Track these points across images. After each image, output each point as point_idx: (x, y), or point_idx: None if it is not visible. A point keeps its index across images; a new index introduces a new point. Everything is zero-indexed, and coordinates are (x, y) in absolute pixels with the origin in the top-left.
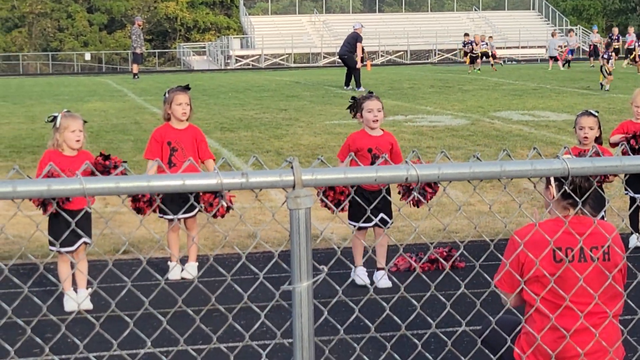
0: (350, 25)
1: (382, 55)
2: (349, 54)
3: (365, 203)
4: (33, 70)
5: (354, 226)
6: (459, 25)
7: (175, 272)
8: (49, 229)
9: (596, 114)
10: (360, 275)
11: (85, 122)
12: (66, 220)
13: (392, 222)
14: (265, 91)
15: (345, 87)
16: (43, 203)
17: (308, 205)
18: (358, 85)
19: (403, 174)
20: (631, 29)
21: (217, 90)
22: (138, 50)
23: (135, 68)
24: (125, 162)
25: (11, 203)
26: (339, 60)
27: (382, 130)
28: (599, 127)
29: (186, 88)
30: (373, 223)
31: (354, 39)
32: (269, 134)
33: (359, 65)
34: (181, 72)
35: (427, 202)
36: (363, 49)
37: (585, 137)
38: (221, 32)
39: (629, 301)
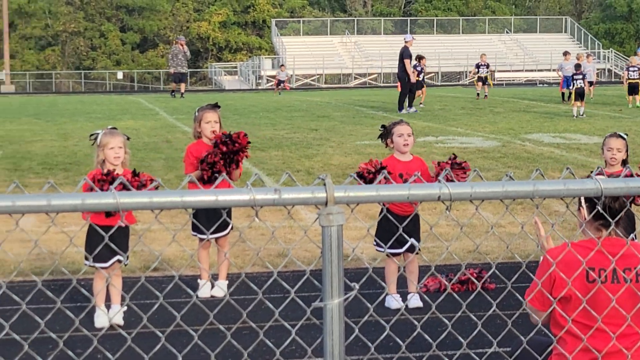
0: (381, 47)
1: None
2: (401, 74)
3: (396, 228)
4: (66, 89)
5: (382, 251)
6: (490, 48)
7: (205, 290)
8: (86, 244)
9: (625, 136)
10: (395, 298)
11: (128, 138)
12: (103, 236)
13: (420, 247)
14: (296, 111)
15: (398, 111)
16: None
17: (340, 222)
18: (400, 107)
19: (435, 192)
20: None
21: (248, 110)
22: (171, 70)
23: (182, 87)
24: (152, 180)
25: (43, 220)
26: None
27: (412, 155)
28: (627, 150)
29: (215, 106)
30: (404, 249)
31: (400, 55)
32: (299, 153)
33: (412, 78)
34: (213, 91)
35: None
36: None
37: (613, 158)
38: (253, 52)
39: None
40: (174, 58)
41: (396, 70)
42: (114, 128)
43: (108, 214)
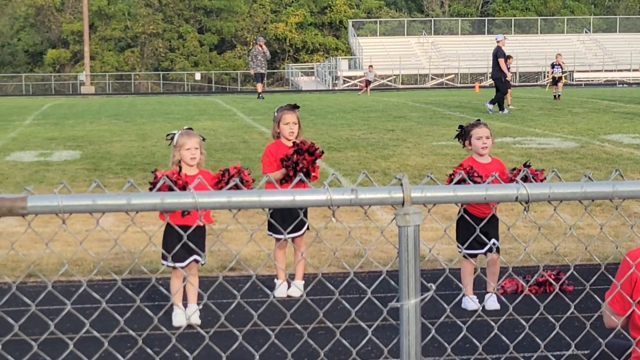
0: (458, 47)
1: (490, 77)
2: (497, 74)
3: (474, 230)
4: (144, 89)
5: (460, 251)
6: (569, 48)
7: (282, 290)
8: (163, 243)
9: None
10: (472, 299)
11: (203, 139)
12: (180, 236)
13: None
14: (372, 112)
15: (500, 111)
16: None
17: (417, 222)
18: (501, 108)
19: (513, 192)
20: None
21: (325, 111)
22: (251, 71)
23: (258, 87)
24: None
25: (122, 219)
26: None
27: (491, 157)
28: None
29: (294, 107)
30: (485, 249)
31: (494, 55)
32: (375, 154)
33: (508, 77)
34: (289, 92)
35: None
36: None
37: None
38: (329, 53)
39: None
40: (254, 59)
41: (485, 70)
42: (190, 128)
43: (183, 213)
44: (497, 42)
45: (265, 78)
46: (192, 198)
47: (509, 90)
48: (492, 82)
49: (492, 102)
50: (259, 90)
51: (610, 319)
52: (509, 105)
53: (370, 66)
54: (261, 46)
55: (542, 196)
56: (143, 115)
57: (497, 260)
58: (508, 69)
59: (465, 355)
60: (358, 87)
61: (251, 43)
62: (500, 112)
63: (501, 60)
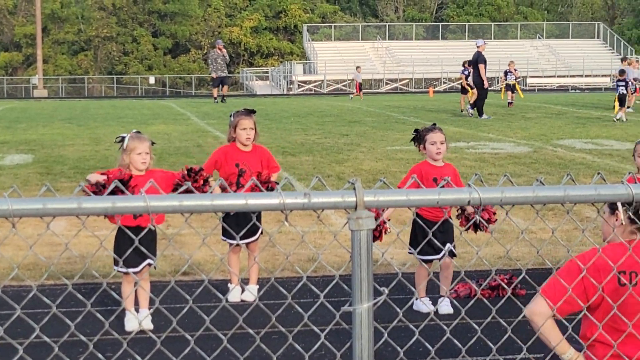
0: (413, 53)
1: (444, 82)
2: (477, 79)
3: (427, 234)
4: (98, 93)
5: (411, 254)
6: (522, 53)
7: (235, 294)
8: (115, 248)
9: None
10: (425, 302)
11: (153, 143)
12: (132, 241)
13: (454, 251)
14: (327, 116)
15: (479, 117)
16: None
17: (370, 226)
18: (480, 113)
19: (465, 196)
20: None
21: (280, 115)
22: (213, 75)
23: (214, 92)
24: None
25: (74, 223)
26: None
27: (444, 161)
28: None
29: (251, 112)
30: (441, 255)
31: (475, 60)
32: (330, 158)
33: (485, 84)
34: (244, 96)
35: (484, 230)
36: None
37: None
38: (284, 57)
39: None
40: (214, 62)
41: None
42: (139, 132)
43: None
44: (477, 47)
45: (228, 81)
46: (143, 202)
47: (470, 92)
48: (448, 87)
49: (480, 110)
50: (215, 95)
51: (541, 317)
52: (461, 111)
53: (358, 67)
54: (220, 49)
55: (495, 200)
56: (96, 119)
57: (450, 264)
58: (469, 73)
59: (419, 359)
60: (347, 92)
61: (205, 47)
62: (479, 117)
63: (481, 66)
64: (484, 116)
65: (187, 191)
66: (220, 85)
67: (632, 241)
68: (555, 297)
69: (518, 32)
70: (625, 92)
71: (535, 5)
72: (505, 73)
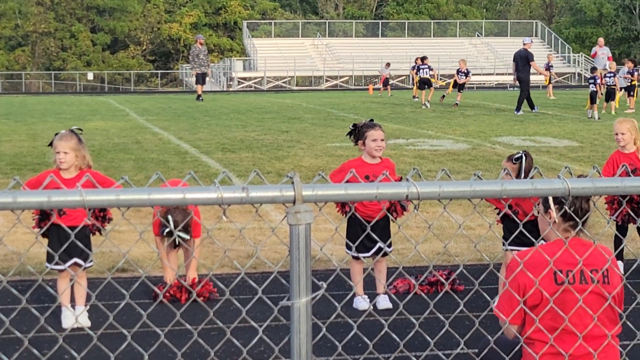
0: (352, 50)
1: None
2: (525, 76)
3: (362, 231)
4: (36, 89)
5: (346, 252)
6: (461, 51)
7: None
8: (48, 246)
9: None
10: (363, 298)
11: (80, 141)
12: (60, 237)
13: (390, 250)
14: (267, 113)
15: (516, 112)
16: (39, 219)
17: (308, 220)
18: (518, 108)
19: (404, 190)
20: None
21: (219, 112)
22: (193, 72)
23: (198, 89)
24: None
25: (11, 219)
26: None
27: (381, 158)
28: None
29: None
30: (371, 253)
31: (526, 58)
32: (270, 155)
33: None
34: (183, 92)
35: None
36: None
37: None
38: (224, 54)
39: (629, 324)
40: (196, 58)
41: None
42: (79, 129)
43: (60, 212)
44: (524, 44)
45: (208, 77)
46: (79, 196)
47: (432, 89)
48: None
49: (519, 106)
50: (199, 92)
51: (509, 331)
52: (426, 102)
53: (388, 64)
54: (201, 44)
55: (433, 194)
56: (34, 115)
57: (384, 260)
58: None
59: (357, 354)
60: (287, 89)
61: (145, 43)
62: (532, 110)
63: (534, 63)
64: (520, 112)
65: None
66: (202, 83)
67: (566, 239)
68: (505, 310)
69: (457, 30)
70: (595, 89)
71: (474, 3)
72: (458, 72)
